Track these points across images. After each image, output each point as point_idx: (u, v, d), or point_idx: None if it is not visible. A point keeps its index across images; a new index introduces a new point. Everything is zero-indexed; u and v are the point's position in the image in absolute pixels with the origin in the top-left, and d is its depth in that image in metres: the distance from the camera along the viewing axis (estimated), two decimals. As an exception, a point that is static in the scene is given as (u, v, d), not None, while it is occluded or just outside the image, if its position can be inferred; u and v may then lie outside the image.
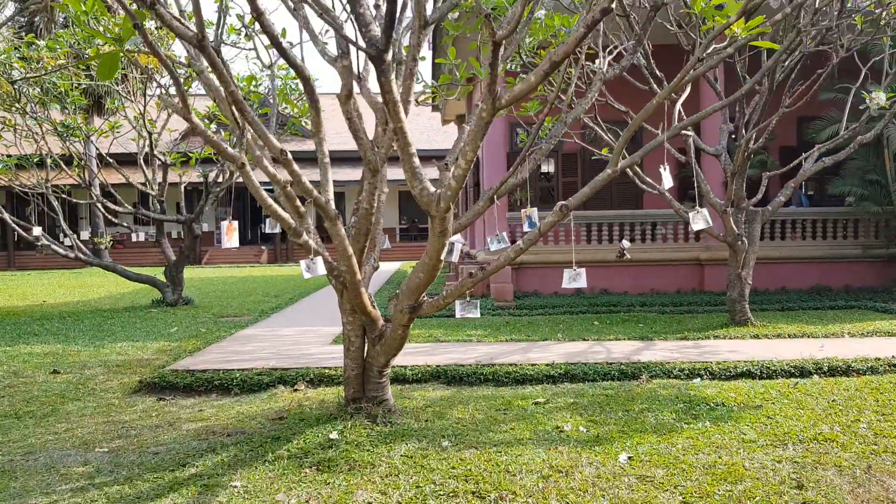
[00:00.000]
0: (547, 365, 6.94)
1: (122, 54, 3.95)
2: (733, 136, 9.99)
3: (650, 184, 9.51)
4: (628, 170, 7.09)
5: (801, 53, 8.41)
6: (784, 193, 9.41)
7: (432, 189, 4.39)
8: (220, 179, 13.97)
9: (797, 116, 13.84)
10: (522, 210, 5.48)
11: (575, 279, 4.81)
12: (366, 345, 5.55)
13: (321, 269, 4.92)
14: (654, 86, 9.17)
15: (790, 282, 13.19)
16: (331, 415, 5.46)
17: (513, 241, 11.21)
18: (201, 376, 6.74)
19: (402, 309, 5.03)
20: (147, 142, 12.85)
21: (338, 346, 8.28)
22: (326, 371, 6.84)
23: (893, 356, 7.00)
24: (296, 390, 6.48)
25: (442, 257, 4.51)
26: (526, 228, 5.33)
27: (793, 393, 6.06)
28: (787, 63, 8.67)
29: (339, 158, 28.61)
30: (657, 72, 8.96)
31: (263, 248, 33.57)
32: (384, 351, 5.33)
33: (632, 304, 11.74)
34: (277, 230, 5.54)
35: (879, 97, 7.85)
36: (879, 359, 6.92)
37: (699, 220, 5.11)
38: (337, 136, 29.80)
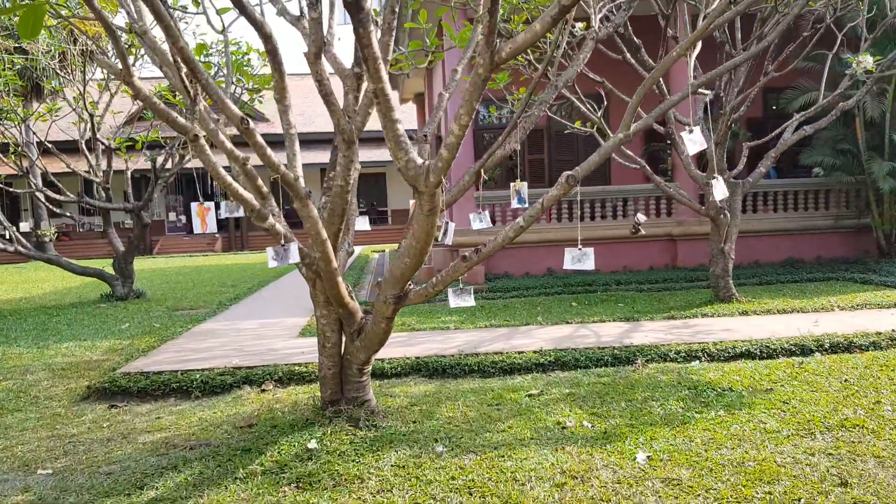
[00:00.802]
0: (535, 352, 6.46)
1: (47, 5, 3.27)
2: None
3: (630, 157, 9.07)
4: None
5: (788, 15, 8.02)
6: (764, 164, 9.08)
7: (420, 161, 3.82)
8: (168, 165, 13.15)
9: (764, 87, 13.56)
10: (512, 184, 4.95)
11: (580, 260, 4.30)
12: (343, 340, 4.98)
13: (294, 257, 4.31)
14: (629, 55, 8.73)
15: (763, 255, 12.98)
16: (307, 420, 4.87)
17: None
18: (157, 379, 6.08)
19: (385, 299, 4.46)
20: (89, 125, 11.95)
21: (306, 340, 7.67)
22: (296, 368, 6.24)
23: (894, 330, 6.71)
24: (264, 391, 5.88)
25: (439, 239, 3.96)
26: (515, 205, 4.81)
27: (800, 373, 5.70)
28: (768, 28, 8.27)
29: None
30: (635, 39, 8.51)
31: (217, 235, 32.36)
32: (364, 346, 4.77)
33: (607, 282, 11.36)
34: (239, 214, 4.88)
35: (866, 61, 7.53)
36: (880, 333, 6.63)
37: (719, 189, 4.66)
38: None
